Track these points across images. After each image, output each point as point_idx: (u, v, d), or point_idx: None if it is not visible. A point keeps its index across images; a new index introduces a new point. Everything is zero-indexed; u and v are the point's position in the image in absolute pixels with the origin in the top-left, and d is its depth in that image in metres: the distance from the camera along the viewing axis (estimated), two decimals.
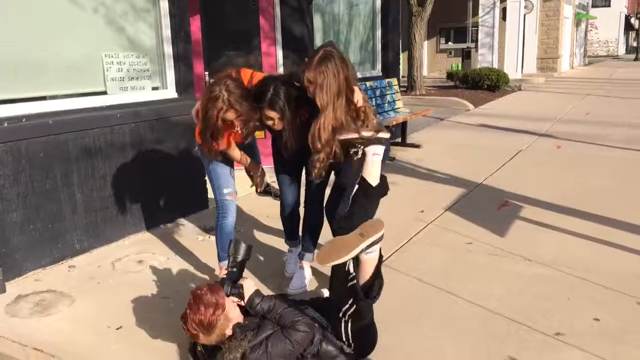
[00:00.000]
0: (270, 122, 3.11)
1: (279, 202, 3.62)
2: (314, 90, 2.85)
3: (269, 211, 4.67)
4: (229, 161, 3.42)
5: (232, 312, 2.53)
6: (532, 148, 7.87)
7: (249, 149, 3.55)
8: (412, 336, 2.90)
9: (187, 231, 4.58)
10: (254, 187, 3.67)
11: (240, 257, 2.75)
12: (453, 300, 3.29)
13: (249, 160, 3.45)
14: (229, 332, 2.50)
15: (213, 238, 4.30)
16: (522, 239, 4.27)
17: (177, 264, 3.92)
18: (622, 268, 3.69)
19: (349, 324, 2.60)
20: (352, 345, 2.62)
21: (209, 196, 5.15)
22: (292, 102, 3.02)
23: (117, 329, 3.04)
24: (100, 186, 4.18)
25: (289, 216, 3.63)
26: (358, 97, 2.94)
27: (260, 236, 4.40)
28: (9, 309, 3.27)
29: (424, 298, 3.34)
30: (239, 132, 3.20)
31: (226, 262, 3.42)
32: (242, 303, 2.59)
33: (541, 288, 3.42)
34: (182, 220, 4.82)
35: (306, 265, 3.51)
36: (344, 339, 2.62)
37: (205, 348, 2.54)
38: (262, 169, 3.58)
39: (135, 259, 4.01)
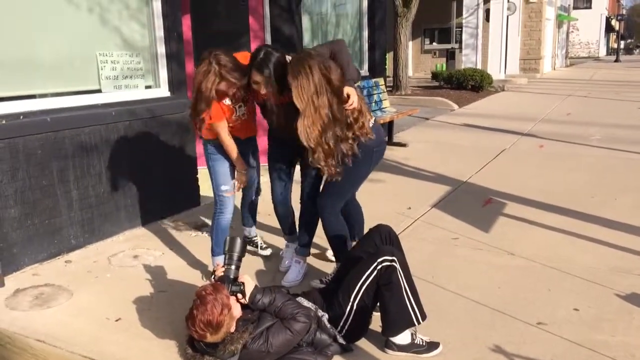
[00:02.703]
0: (255, 87, 3.22)
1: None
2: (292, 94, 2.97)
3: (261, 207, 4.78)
4: (228, 159, 3.52)
5: (236, 310, 2.61)
6: (515, 147, 8.07)
7: (248, 153, 3.66)
8: None
9: (181, 227, 4.67)
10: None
11: (236, 254, 2.77)
12: (440, 291, 3.43)
13: (236, 151, 3.47)
14: (232, 329, 2.58)
15: (206, 234, 4.42)
16: (505, 234, 4.42)
17: (171, 259, 4.01)
18: (600, 261, 3.86)
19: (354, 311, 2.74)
20: (347, 329, 2.75)
21: (201, 193, 5.27)
22: (280, 71, 3.09)
23: (116, 320, 3.13)
24: (95, 183, 4.26)
25: (281, 212, 3.74)
26: (352, 98, 3.04)
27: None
28: (9, 302, 3.34)
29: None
30: (231, 105, 3.36)
31: (220, 257, 3.54)
32: (244, 300, 2.66)
33: (524, 280, 3.57)
34: (176, 217, 4.91)
35: (301, 260, 3.63)
36: (342, 323, 2.74)
37: (206, 343, 2.61)
38: (247, 171, 3.57)
39: (131, 254, 4.09)
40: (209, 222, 4.71)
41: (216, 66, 3.14)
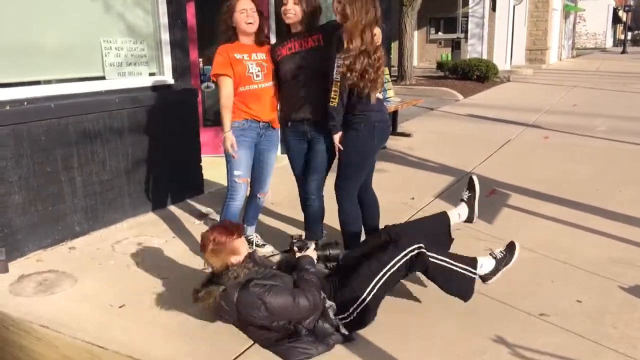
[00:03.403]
0: (283, 7, 3.36)
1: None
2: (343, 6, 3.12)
3: (273, 198, 4.79)
4: (247, 146, 3.53)
5: (241, 248, 2.79)
6: (520, 138, 8.04)
7: (267, 148, 3.66)
8: (401, 313, 3.04)
9: (184, 215, 4.68)
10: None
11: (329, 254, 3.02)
12: None
13: (228, 108, 3.43)
14: (232, 260, 2.75)
15: (210, 222, 4.42)
16: (509, 225, 4.42)
17: (175, 247, 4.02)
18: (603, 253, 3.85)
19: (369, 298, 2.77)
20: (357, 314, 2.76)
21: (209, 179, 5.27)
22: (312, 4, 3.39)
23: (120, 307, 3.14)
24: (99, 170, 4.27)
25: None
26: (378, 37, 3.20)
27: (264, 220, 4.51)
28: (13, 288, 3.36)
29: (414, 278, 3.47)
30: (243, 59, 3.43)
31: None
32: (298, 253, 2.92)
33: (527, 271, 3.57)
34: (179, 205, 4.92)
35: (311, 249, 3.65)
36: (354, 308, 2.76)
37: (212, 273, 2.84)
38: (227, 138, 3.46)
39: (135, 242, 4.10)
40: (213, 210, 4.73)
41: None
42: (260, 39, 3.57)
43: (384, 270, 2.78)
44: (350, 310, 2.77)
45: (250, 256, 2.85)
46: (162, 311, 3.09)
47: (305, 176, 3.59)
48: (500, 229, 4.30)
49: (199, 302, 2.75)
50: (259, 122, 3.55)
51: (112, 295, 3.26)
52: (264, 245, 3.96)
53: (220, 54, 3.45)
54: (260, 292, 2.57)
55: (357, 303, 2.76)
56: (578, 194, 5.15)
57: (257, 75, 3.48)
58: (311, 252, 2.96)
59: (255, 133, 3.57)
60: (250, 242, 3.96)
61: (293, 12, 3.36)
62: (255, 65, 3.48)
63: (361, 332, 2.84)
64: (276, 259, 3.76)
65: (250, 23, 3.45)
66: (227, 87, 3.44)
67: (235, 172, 3.53)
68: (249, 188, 3.74)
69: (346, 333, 2.76)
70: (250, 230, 3.97)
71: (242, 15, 3.43)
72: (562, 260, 3.75)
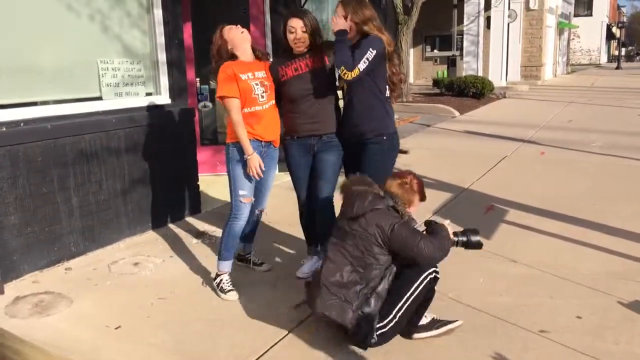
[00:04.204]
0: (292, 36, 3.40)
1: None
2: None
3: (271, 217, 4.79)
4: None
5: (416, 207, 3.00)
6: (516, 154, 8.06)
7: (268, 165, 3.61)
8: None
9: (182, 234, 4.66)
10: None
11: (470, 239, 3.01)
12: (440, 298, 3.40)
13: (244, 131, 3.39)
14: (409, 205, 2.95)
15: (207, 241, 4.40)
16: (507, 241, 4.41)
17: (172, 266, 4.00)
18: (602, 268, 3.84)
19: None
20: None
21: (212, 197, 5.26)
22: (316, 27, 3.45)
23: (116, 328, 3.11)
24: (95, 190, 4.26)
25: (309, 221, 3.73)
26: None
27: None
28: (9, 310, 3.33)
29: None
30: (248, 80, 3.41)
31: (227, 262, 3.52)
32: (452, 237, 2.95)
33: (526, 287, 3.56)
34: (177, 224, 4.90)
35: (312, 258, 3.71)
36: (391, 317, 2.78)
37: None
38: (253, 158, 3.42)
39: (131, 262, 4.08)
40: (210, 229, 4.72)
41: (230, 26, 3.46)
42: (256, 53, 3.56)
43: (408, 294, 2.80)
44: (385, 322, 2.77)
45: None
46: (158, 332, 3.06)
47: (315, 188, 3.57)
48: (498, 245, 4.29)
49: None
50: (262, 141, 3.52)
51: (109, 316, 3.23)
52: (262, 264, 3.93)
53: (225, 72, 3.39)
54: (397, 218, 2.80)
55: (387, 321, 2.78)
56: (576, 209, 5.15)
57: (262, 96, 3.45)
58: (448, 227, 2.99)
59: (257, 152, 3.52)
60: (248, 261, 3.94)
61: (302, 41, 3.42)
62: (260, 85, 3.45)
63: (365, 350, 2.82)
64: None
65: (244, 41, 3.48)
66: (235, 107, 3.40)
67: (240, 192, 3.49)
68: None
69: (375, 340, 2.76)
70: (248, 248, 3.95)
71: (238, 36, 3.48)
72: (560, 276, 3.73)
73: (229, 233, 3.54)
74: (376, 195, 2.87)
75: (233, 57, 3.45)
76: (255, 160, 3.39)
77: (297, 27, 3.40)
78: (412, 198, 2.96)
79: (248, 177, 3.49)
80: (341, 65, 3.24)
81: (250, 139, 3.44)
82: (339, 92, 3.66)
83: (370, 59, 3.24)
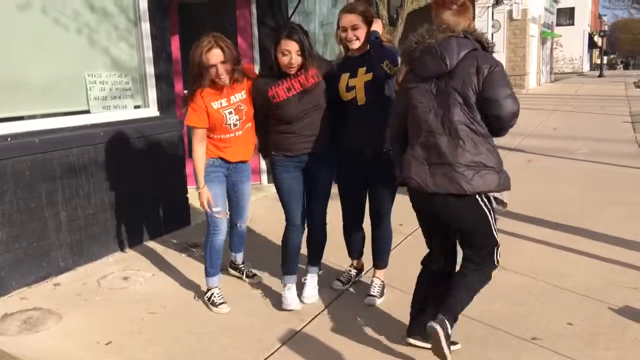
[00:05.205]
0: (286, 59, 3.14)
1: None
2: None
3: (259, 227, 4.76)
4: (220, 181, 3.46)
5: None
6: (504, 162, 8.09)
7: (237, 180, 3.56)
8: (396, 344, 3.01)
9: (171, 248, 4.63)
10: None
11: None
12: None
13: (201, 166, 3.31)
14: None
15: (197, 254, 4.38)
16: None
17: (162, 280, 3.97)
18: (592, 274, 3.87)
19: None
20: None
21: (190, 213, 5.23)
22: (309, 46, 3.19)
23: (107, 344, 3.07)
24: (84, 204, 4.22)
25: (298, 242, 3.55)
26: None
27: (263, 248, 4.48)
28: None
29: (406, 307, 3.44)
30: (220, 109, 3.26)
31: (215, 278, 3.50)
32: None
33: (517, 295, 3.57)
34: (166, 237, 4.86)
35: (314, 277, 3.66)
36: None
37: None
38: (202, 192, 3.35)
39: (121, 276, 4.04)
40: (200, 241, 4.68)
41: (212, 38, 3.19)
42: (235, 76, 3.31)
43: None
44: None
45: None
46: (149, 347, 3.03)
47: (310, 206, 3.48)
48: None
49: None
50: (225, 160, 3.46)
51: (99, 332, 3.19)
52: (253, 275, 3.92)
53: (196, 102, 3.24)
54: (499, 61, 2.59)
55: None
56: (564, 216, 5.19)
57: (235, 125, 3.35)
58: None
59: (225, 168, 3.47)
60: (241, 271, 3.92)
61: (297, 65, 3.18)
62: (234, 112, 3.32)
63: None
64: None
65: (221, 78, 3.23)
66: (199, 137, 3.30)
67: (214, 209, 3.41)
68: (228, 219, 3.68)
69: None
70: (239, 258, 3.93)
71: (212, 71, 3.21)
72: (551, 282, 3.75)
73: (212, 249, 3.49)
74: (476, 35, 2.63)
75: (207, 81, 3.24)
76: (204, 196, 3.33)
77: (292, 51, 3.12)
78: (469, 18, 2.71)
79: (220, 192, 3.44)
80: (386, 60, 3.17)
81: (215, 157, 3.40)
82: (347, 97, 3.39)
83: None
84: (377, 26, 3.27)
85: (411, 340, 2.91)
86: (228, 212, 3.54)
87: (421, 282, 2.98)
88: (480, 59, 2.56)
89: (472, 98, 2.55)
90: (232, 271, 3.96)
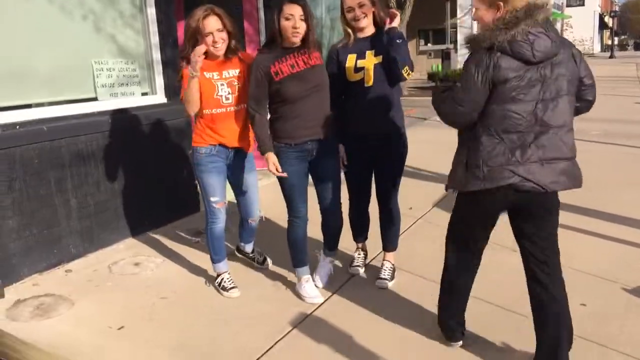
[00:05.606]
0: (290, 23, 3.01)
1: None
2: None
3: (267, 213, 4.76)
4: (219, 171, 3.39)
5: None
6: None
7: (240, 167, 3.51)
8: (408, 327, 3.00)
9: (181, 234, 4.64)
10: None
11: None
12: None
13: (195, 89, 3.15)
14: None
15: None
16: (507, 230, 4.36)
17: (173, 266, 3.98)
18: (604, 256, 3.84)
19: None
20: None
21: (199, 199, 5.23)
22: (314, 17, 3.16)
23: (119, 329, 3.09)
24: (94, 191, 4.23)
25: (304, 233, 3.42)
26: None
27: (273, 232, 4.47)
28: (10, 313, 3.31)
29: (416, 290, 3.44)
30: (212, 79, 3.21)
31: (221, 264, 3.50)
32: None
33: None
34: (175, 223, 4.87)
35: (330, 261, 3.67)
36: None
37: None
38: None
39: (132, 262, 4.06)
40: None
41: (208, 6, 3.16)
42: (229, 53, 3.27)
43: None
44: None
45: None
46: (161, 332, 3.04)
47: (323, 195, 3.40)
48: (499, 235, 4.24)
49: None
50: (229, 148, 3.36)
51: (111, 317, 3.21)
52: (263, 261, 3.91)
53: (187, 73, 3.13)
54: None
55: None
56: (576, 198, 5.10)
57: (227, 98, 3.24)
58: None
59: (224, 156, 3.39)
60: (252, 259, 3.92)
61: (300, 31, 3.05)
62: (226, 85, 3.23)
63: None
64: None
65: (217, 47, 3.16)
66: (194, 86, 3.13)
67: (212, 199, 3.38)
68: (227, 210, 3.58)
69: None
70: (249, 248, 3.93)
71: (208, 39, 3.13)
72: (563, 263, 3.70)
73: (212, 237, 3.48)
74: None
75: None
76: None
77: (295, 14, 3.00)
78: None
79: (218, 182, 3.38)
80: (406, 66, 3.17)
81: (214, 144, 3.31)
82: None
83: None
84: (397, 21, 3.19)
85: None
86: (226, 201, 3.50)
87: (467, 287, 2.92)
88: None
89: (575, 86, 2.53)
90: (238, 254, 3.97)
